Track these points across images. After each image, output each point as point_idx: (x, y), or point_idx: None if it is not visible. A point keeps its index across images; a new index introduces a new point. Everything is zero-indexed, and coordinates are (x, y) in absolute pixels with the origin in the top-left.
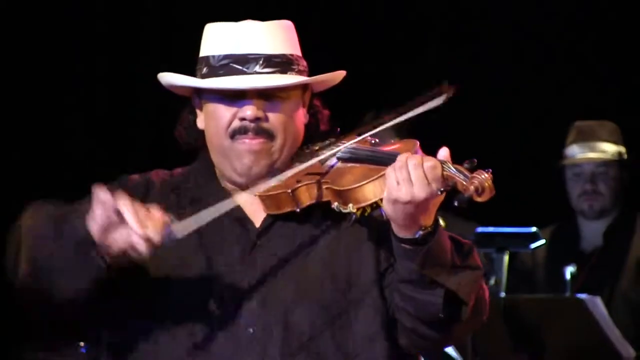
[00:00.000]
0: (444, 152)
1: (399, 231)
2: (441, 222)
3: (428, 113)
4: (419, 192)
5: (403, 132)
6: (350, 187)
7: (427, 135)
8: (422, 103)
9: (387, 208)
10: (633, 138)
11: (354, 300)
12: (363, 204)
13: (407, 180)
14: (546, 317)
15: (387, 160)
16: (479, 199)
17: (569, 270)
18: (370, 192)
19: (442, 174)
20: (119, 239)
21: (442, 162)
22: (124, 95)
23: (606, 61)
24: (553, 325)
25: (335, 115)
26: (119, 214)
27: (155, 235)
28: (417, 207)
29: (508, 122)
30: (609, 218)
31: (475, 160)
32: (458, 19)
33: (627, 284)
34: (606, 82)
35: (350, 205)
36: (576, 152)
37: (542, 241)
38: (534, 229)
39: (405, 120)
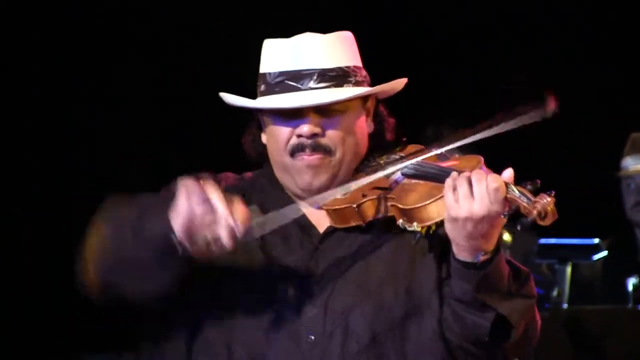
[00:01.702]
0: (508, 174)
1: (458, 253)
2: (508, 236)
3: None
4: (479, 208)
5: (466, 147)
6: (414, 207)
7: (484, 149)
8: (514, 117)
9: (447, 227)
10: None
11: (414, 307)
12: (427, 223)
13: (467, 195)
14: (608, 329)
15: None
16: (541, 223)
17: (632, 282)
18: (434, 211)
19: (506, 196)
20: (204, 232)
21: (506, 184)
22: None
23: None
24: (615, 336)
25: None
26: (206, 203)
27: (240, 227)
28: (476, 227)
29: (573, 132)
30: None
31: (539, 182)
32: (513, 25)
33: None
34: None
35: (415, 223)
36: (629, 163)
37: (605, 252)
38: (596, 240)
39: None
